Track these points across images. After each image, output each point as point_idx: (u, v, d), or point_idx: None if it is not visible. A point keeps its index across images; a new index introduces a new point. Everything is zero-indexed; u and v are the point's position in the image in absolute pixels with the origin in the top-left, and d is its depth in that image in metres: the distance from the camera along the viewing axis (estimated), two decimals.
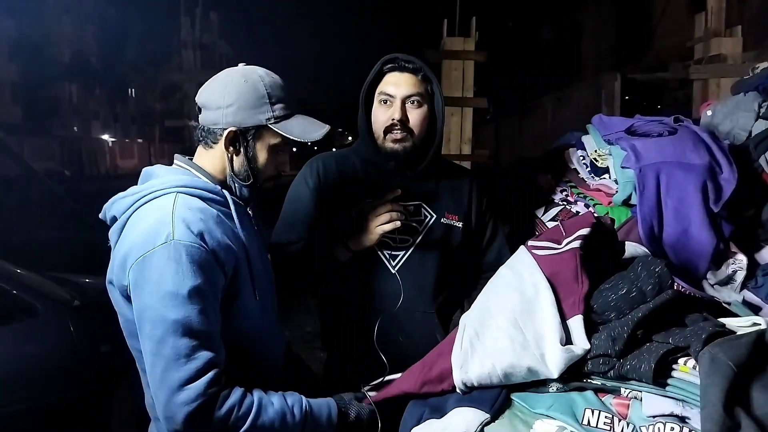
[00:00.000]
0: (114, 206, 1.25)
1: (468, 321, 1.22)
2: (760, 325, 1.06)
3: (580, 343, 1.08)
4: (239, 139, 1.27)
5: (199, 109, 1.30)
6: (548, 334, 1.09)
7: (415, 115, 1.62)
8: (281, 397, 1.21)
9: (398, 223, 1.54)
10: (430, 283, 1.66)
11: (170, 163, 1.35)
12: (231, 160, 1.29)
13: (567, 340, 1.09)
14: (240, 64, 1.32)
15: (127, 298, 1.18)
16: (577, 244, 1.26)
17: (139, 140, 32.03)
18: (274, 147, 1.30)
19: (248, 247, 1.27)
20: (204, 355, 1.11)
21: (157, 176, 1.27)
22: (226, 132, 1.26)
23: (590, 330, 1.12)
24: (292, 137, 1.27)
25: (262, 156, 1.29)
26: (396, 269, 1.63)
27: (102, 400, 2.89)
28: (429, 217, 1.68)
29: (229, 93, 1.25)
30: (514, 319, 1.15)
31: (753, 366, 0.94)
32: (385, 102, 1.62)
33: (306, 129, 1.29)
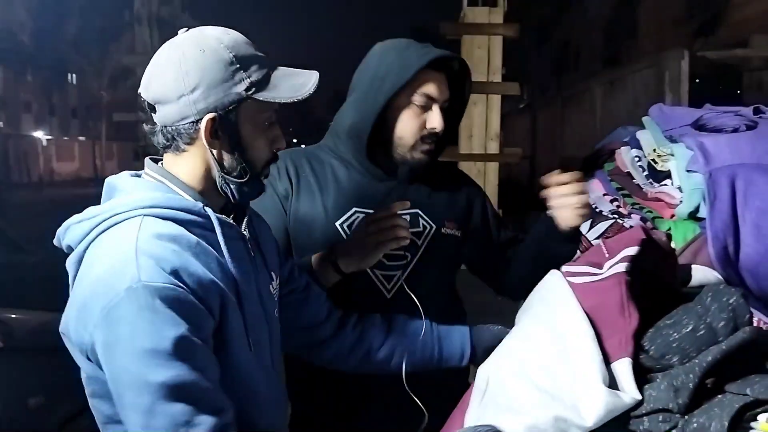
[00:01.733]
0: (68, 234, 1.20)
1: (488, 369, 1.23)
2: None
3: (629, 390, 1.08)
4: (221, 127, 1.21)
5: (152, 108, 1.24)
6: (588, 375, 1.09)
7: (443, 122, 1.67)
8: None
9: (407, 240, 1.55)
10: (433, 305, 1.66)
11: (121, 166, 1.32)
12: (219, 158, 1.24)
13: (612, 386, 1.09)
14: (180, 31, 1.25)
15: (89, 358, 1.14)
16: (622, 267, 1.27)
17: (81, 138, 32.27)
18: (264, 122, 1.25)
19: (240, 283, 1.21)
20: (206, 420, 1.06)
21: (122, 191, 1.22)
22: (204, 123, 1.19)
23: (643, 378, 1.12)
24: (283, 101, 1.22)
25: (253, 138, 1.24)
26: (392, 294, 1.65)
27: None
28: (428, 227, 1.70)
29: (189, 73, 1.18)
30: (543, 362, 1.16)
31: None
32: (423, 107, 1.64)
33: (294, 84, 1.23)
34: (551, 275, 1.40)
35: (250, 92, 1.20)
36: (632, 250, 1.32)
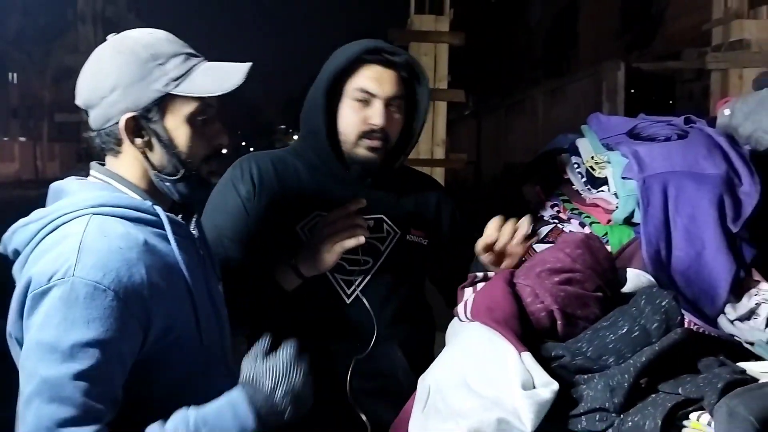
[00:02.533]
0: (15, 237, 1.19)
1: (429, 379, 1.24)
2: None
3: (543, 382, 1.10)
4: (143, 125, 1.21)
5: (86, 113, 1.25)
6: (510, 379, 1.12)
7: (395, 121, 1.65)
8: (156, 429, 1.11)
9: (362, 239, 1.54)
10: (393, 313, 1.67)
11: (63, 167, 1.31)
12: (146, 156, 1.23)
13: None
14: (108, 37, 1.26)
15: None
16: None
17: (22, 138, 31.19)
18: (192, 117, 1.23)
19: (190, 279, 1.22)
20: None
21: (68, 194, 1.22)
22: (122, 122, 1.19)
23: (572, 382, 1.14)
24: (205, 94, 1.21)
25: (180, 134, 1.23)
26: (351, 298, 1.64)
27: None
28: (392, 233, 1.69)
29: (106, 75, 1.20)
30: (480, 368, 1.18)
31: None
32: (363, 101, 1.62)
33: (220, 77, 1.22)
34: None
35: (169, 87, 1.19)
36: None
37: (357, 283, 1.65)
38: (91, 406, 1.06)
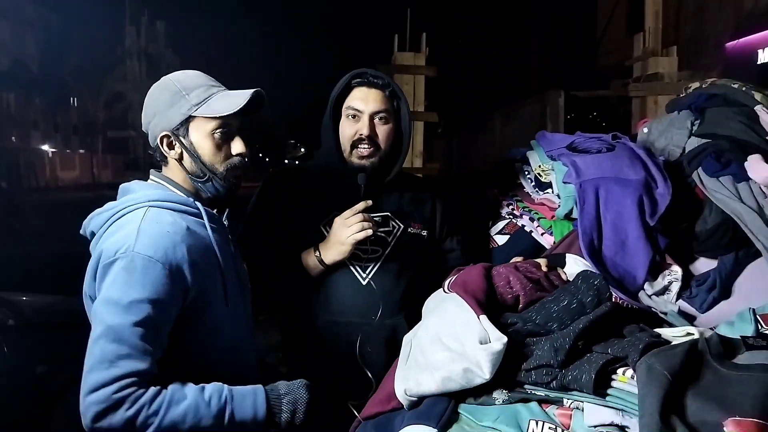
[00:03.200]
0: (92, 222, 1.29)
1: (411, 339, 1.25)
2: (693, 334, 1.11)
3: (495, 337, 1.12)
4: (174, 140, 1.31)
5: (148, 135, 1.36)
6: (471, 337, 1.13)
7: (382, 131, 1.65)
8: (198, 389, 1.19)
9: (370, 232, 1.55)
10: (401, 292, 1.68)
11: (114, 174, 1.35)
12: (181, 164, 1.33)
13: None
14: (163, 78, 1.36)
15: None
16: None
17: (81, 151, 30.91)
18: (213, 132, 1.31)
19: (221, 257, 1.30)
20: (127, 365, 1.12)
21: (132, 191, 1.31)
22: (158, 139, 1.31)
23: (520, 342, 1.16)
24: (215, 114, 1.29)
25: (205, 146, 1.32)
26: (367, 280, 1.64)
27: (39, 423, 2.75)
28: (397, 227, 1.70)
29: (148, 107, 1.32)
30: (452, 329, 1.18)
31: (687, 374, 0.98)
32: (353, 117, 1.63)
33: (228, 101, 1.30)
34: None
35: (190, 110, 1.29)
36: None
37: (371, 268, 1.65)
38: (143, 347, 1.14)
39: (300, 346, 1.72)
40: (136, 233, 1.19)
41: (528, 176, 1.91)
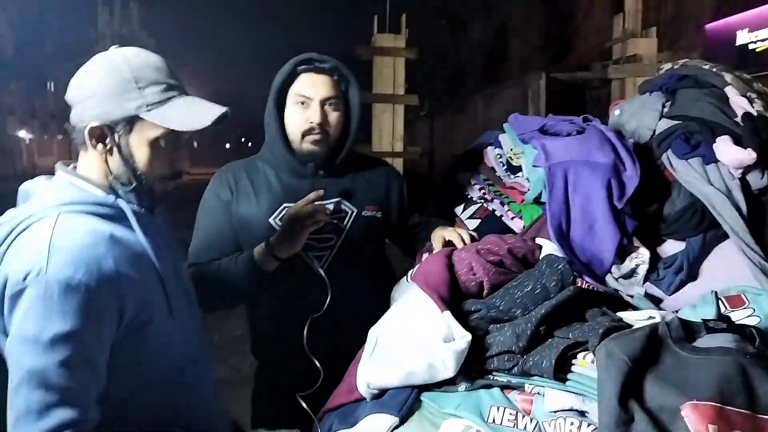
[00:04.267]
0: None
1: (376, 332, 1.24)
2: (654, 318, 1.11)
3: (460, 335, 1.10)
4: (107, 135, 1.09)
5: (70, 107, 1.13)
6: (435, 335, 1.11)
7: (333, 118, 1.61)
8: None
9: (322, 222, 1.52)
10: (357, 279, 1.65)
11: None
12: (106, 161, 1.11)
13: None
14: (112, 47, 1.14)
15: None
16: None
17: (59, 137, 30.39)
18: (157, 141, 1.10)
19: (157, 262, 1.11)
20: (59, 414, 0.95)
21: (36, 194, 1.10)
22: (87, 129, 1.08)
23: (483, 329, 1.15)
24: (170, 127, 1.08)
25: (141, 153, 1.10)
26: (323, 269, 1.61)
27: None
28: (350, 211, 1.67)
29: (88, 83, 1.08)
30: (416, 323, 1.17)
31: (647, 359, 0.98)
32: (302, 104, 1.59)
33: (191, 115, 1.09)
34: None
35: (140, 110, 1.07)
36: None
37: (326, 257, 1.63)
38: (75, 389, 0.97)
39: (261, 339, 1.71)
40: (48, 251, 0.97)
41: (500, 160, 1.89)
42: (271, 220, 1.62)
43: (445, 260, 1.30)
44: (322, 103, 1.59)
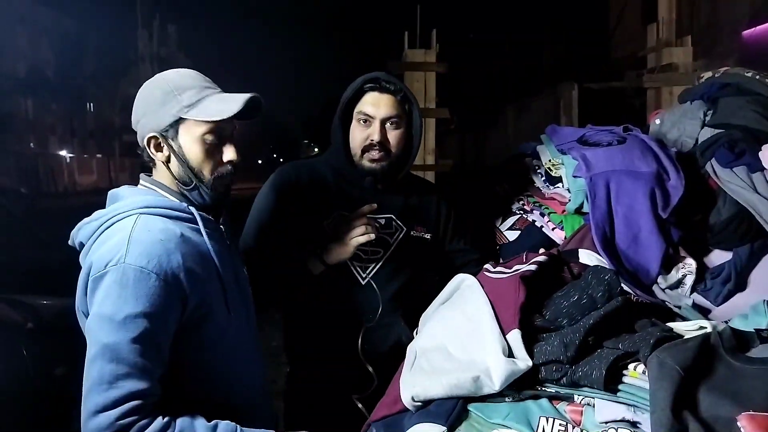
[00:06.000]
0: (80, 232, 1.23)
1: (416, 347, 1.25)
2: (706, 328, 1.10)
3: (522, 357, 1.09)
4: (162, 142, 1.24)
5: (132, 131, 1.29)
6: (490, 347, 1.11)
7: (393, 136, 1.65)
8: (209, 428, 1.13)
9: (373, 236, 1.55)
10: (400, 293, 1.68)
11: (132, 177, 1.32)
12: (168, 168, 1.26)
13: (510, 354, 1.11)
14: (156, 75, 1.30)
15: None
16: (530, 267, 1.30)
17: (98, 155, 31.27)
18: (203, 137, 1.23)
19: (219, 263, 1.24)
20: (127, 385, 1.06)
21: (121, 198, 1.25)
22: (145, 140, 1.24)
23: (535, 339, 1.14)
24: (207, 119, 1.21)
25: (194, 150, 1.24)
26: (366, 281, 1.64)
27: (59, 424, 2.79)
28: (399, 230, 1.70)
29: (139, 105, 1.25)
30: (459, 339, 1.18)
31: (699, 369, 0.97)
32: (365, 122, 1.63)
33: (223, 105, 1.22)
34: (459, 277, 1.44)
35: (181, 112, 1.21)
36: (541, 258, 1.36)
37: (371, 269, 1.66)
38: (143, 365, 1.08)
39: (302, 345, 1.73)
40: (127, 243, 1.12)
41: (538, 171, 1.89)
42: (324, 224, 1.66)
43: (518, 282, 1.28)
44: (383, 121, 1.63)
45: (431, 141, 6.39)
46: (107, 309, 1.09)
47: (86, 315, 1.15)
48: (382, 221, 1.65)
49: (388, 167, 1.66)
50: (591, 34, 13.40)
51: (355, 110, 1.64)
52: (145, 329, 1.09)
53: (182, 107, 1.21)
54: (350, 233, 1.54)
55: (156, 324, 1.11)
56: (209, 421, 1.16)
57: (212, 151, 1.25)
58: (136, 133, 1.29)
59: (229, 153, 1.27)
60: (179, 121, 1.22)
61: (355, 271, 1.65)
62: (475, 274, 1.46)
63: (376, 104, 1.62)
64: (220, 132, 1.25)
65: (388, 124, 1.63)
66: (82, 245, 1.23)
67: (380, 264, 1.66)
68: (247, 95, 1.23)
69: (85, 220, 1.23)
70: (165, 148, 1.24)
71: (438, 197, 1.82)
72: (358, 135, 1.64)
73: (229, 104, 1.22)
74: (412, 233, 1.70)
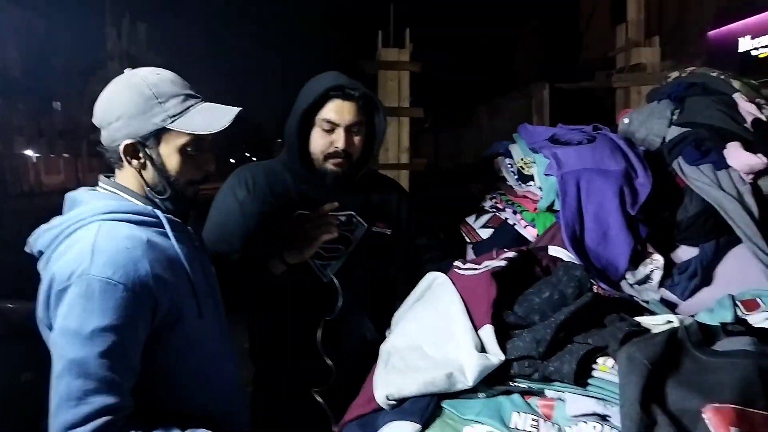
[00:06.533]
0: (39, 240, 1.17)
1: (389, 346, 1.25)
2: (673, 322, 1.12)
3: (494, 352, 1.10)
4: (140, 150, 1.19)
5: (99, 130, 1.23)
6: (462, 344, 1.12)
7: (355, 142, 1.65)
8: None
9: (335, 233, 1.54)
10: (363, 290, 1.68)
11: (98, 178, 1.27)
12: (141, 175, 1.21)
13: (483, 349, 1.12)
14: (126, 70, 1.23)
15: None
16: (500, 263, 1.31)
17: (66, 155, 30.57)
18: (185, 148, 1.20)
19: (189, 266, 1.20)
20: (97, 401, 1.03)
21: (81, 203, 1.19)
22: (121, 147, 1.18)
23: (507, 336, 1.15)
24: (195, 132, 1.17)
25: (172, 161, 1.20)
26: (328, 278, 1.64)
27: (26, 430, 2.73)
28: (361, 226, 1.69)
29: (113, 106, 1.18)
30: (431, 336, 1.19)
31: (667, 363, 0.99)
32: (329, 129, 1.62)
33: (211, 118, 1.18)
34: (431, 275, 1.45)
35: (165, 122, 1.16)
36: (511, 254, 1.37)
37: (332, 267, 1.65)
38: (112, 379, 1.05)
39: (266, 345, 1.73)
40: (91, 253, 1.07)
41: (511, 169, 1.91)
42: (285, 223, 1.64)
43: (490, 278, 1.29)
44: (347, 128, 1.62)
45: (405, 140, 6.41)
46: (73, 323, 1.05)
47: (49, 327, 1.11)
48: (343, 218, 1.65)
49: (349, 169, 1.66)
50: (562, 35, 13.58)
51: (318, 117, 1.62)
52: (114, 342, 1.05)
53: (167, 117, 1.17)
54: (312, 231, 1.53)
55: (124, 336, 1.07)
56: (184, 429, 1.13)
57: (191, 162, 1.22)
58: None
59: (207, 164, 1.25)
60: (162, 130, 1.18)
61: (317, 269, 1.64)
62: (443, 270, 1.47)
63: (340, 112, 1.60)
64: (200, 143, 1.22)
65: (351, 131, 1.63)
66: (41, 253, 1.17)
67: (342, 261, 1.66)
68: (234, 110, 1.20)
69: (43, 227, 1.17)
70: (142, 155, 1.19)
71: (399, 194, 1.83)
72: (321, 141, 1.63)
73: (217, 117, 1.18)
74: (373, 229, 1.71)
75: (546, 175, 1.67)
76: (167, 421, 1.13)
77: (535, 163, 1.78)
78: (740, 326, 1.04)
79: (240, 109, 1.21)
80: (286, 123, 1.66)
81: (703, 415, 0.90)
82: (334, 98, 1.60)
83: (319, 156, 1.63)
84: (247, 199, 1.65)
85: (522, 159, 1.86)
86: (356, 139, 1.64)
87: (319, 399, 1.50)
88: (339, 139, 1.61)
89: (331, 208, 1.56)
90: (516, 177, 1.87)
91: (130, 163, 1.20)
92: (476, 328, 1.15)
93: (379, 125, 1.69)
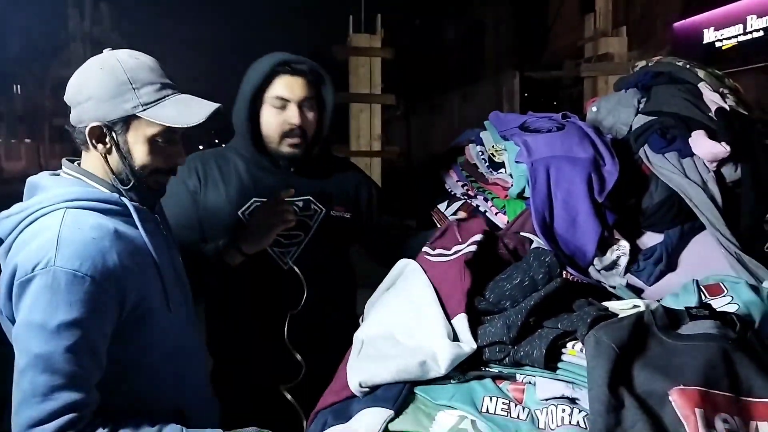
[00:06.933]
0: None
1: (362, 334, 1.24)
2: (639, 307, 1.14)
3: (467, 341, 1.11)
4: (106, 135, 1.14)
5: (69, 109, 1.18)
6: (435, 332, 1.12)
7: (309, 118, 1.61)
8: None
9: (293, 222, 1.52)
10: (326, 277, 1.65)
11: (61, 165, 1.21)
12: (106, 160, 1.16)
13: (455, 338, 1.12)
14: (105, 50, 1.18)
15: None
16: (470, 248, 1.31)
17: (27, 140, 29.63)
18: (153, 138, 1.15)
19: (157, 257, 1.16)
20: (63, 397, 1.00)
21: (43, 189, 1.13)
22: (87, 129, 1.13)
23: (479, 321, 1.16)
24: (164, 123, 1.13)
25: (139, 151, 1.16)
26: (288, 266, 1.61)
27: None
28: (319, 211, 1.67)
29: (86, 86, 1.13)
30: (404, 324, 1.19)
31: (634, 346, 1.01)
32: (280, 107, 1.58)
33: (185, 111, 1.14)
34: (402, 262, 1.43)
35: (136, 110, 1.12)
36: (477, 237, 1.37)
37: (292, 253, 1.62)
38: (79, 374, 1.02)
39: (225, 339, 1.69)
40: (56, 243, 1.02)
41: (482, 156, 1.91)
42: (239, 212, 1.61)
43: (463, 267, 1.29)
44: (300, 104, 1.58)
45: (377, 127, 6.39)
46: (37, 316, 1.01)
47: (11, 320, 1.07)
48: (300, 204, 1.62)
49: (305, 150, 1.63)
50: (532, 23, 13.66)
51: (267, 95, 1.58)
52: (80, 337, 1.02)
53: (139, 104, 1.12)
54: (268, 220, 1.50)
55: (91, 330, 1.04)
56: (154, 423, 1.10)
57: (159, 153, 1.18)
58: (67, 116, 1.19)
59: (177, 157, 1.21)
60: (132, 117, 1.13)
61: (276, 257, 1.61)
62: (411, 250, 1.46)
63: (290, 87, 1.57)
64: (170, 134, 1.18)
65: (304, 106, 1.60)
66: (1, 241, 1.12)
67: (302, 247, 1.63)
68: (211, 106, 1.16)
69: (3, 213, 1.12)
70: (108, 140, 1.14)
71: (357, 175, 1.81)
72: (274, 120, 1.59)
73: (191, 111, 1.14)
74: (332, 213, 1.68)
75: (517, 162, 1.67)
76: (136, 416, 1.10)
77: (506, 150, 1.78)
78: (704, 310, 1.07)
79: (219, 105, 1.17)
80: (234, 107, 1.61)
81: (669, 397, 0.92)
82: (282, 74, 1.57)
83: (275, 136, 1.59)
84: (198, 189, 1.61)
85: (493, 146, 1.86)
86: (309, 114, 1.61)
87: (289, 397, 1.46)
88: (294, 116, 1.57)
89: (288, 195, 1.53)
90: (487, 164, 1.87)
91: (95, 147, 1.15)
92: (449, 317, 1.16)
93: (327, 98, 1.66)
